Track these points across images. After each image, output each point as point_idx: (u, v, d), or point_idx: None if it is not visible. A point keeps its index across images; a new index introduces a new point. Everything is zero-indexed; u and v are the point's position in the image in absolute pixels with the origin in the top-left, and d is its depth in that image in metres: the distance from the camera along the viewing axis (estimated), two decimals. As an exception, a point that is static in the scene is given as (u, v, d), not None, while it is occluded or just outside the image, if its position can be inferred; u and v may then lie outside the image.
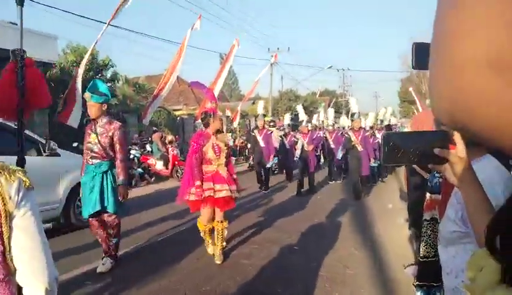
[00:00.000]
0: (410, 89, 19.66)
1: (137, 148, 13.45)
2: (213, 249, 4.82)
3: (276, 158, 11.07)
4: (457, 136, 0.96)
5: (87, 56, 6.79)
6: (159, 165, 12.28)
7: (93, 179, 4.42)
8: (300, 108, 12.91)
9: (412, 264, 4.18)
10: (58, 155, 6.12)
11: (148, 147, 13.65)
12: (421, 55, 1.18)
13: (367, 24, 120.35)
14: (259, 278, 4.19)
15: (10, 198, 1.01)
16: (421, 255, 2.87)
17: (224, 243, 4.89)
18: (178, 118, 20.87)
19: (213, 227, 4.80)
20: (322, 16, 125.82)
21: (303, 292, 3.81)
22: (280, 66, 46.15)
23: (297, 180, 9.99)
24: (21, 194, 1.05)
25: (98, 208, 4.38)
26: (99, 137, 4.43)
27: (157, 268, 4.43)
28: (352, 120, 9.65)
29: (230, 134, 16.37)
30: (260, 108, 11.49)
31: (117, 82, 18.32)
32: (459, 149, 0.96)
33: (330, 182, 11.93)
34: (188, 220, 6.61)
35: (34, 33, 10.97)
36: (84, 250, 5.12)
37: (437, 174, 2.61)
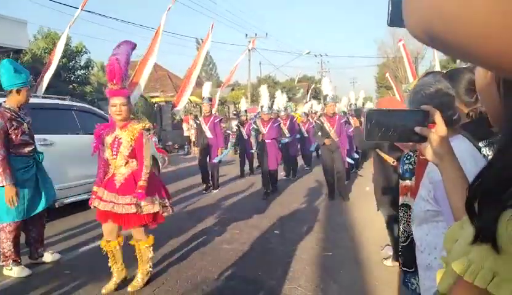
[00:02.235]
0: (387, 75, 19.99)
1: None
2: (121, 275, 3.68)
3: (226, 151, 8.89)
4: (437, 115, 0.99)
5: (62, 45, 6.59)
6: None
7: (36, 171, 4.09)
8: (263, 89, 9.85)
9: (388, 245, 4.30)
10: None
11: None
12: (398, 10, 1.18)
13: (344, 10, 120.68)
14: (240, 262, 4.23)
15: None
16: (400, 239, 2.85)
17: (149, 267, 3.70)
18: (156, 105, 20.61)
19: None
20: (300, 1, 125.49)
21: (284, 275, 3.87)
22: (259, 52, 45.94)
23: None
24: None
25: (48, 202, 4.14)
26: (29, 126, 4.03)
27: (134, 257, 4.40)
28: (324, 104, 7.79)
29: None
30: (205, 90, 8.98)
31: (91, 68, 17.90)
32: (439, 128, 0.99)
33: (286, 177, 10.13)
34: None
35: (3, 18, 10.53)
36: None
37: (406, 161, 2.65)
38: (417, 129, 0.98)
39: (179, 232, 5.29)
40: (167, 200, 3.69)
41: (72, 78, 16.53)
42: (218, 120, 8.49)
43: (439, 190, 1.31)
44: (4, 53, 12.28)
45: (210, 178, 8.52)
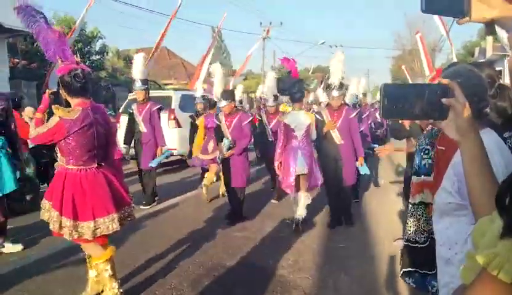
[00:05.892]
0: (403, 67, 19.67)
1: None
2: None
3: (169, 152, 6.28)
4: (457, 88, 0.94)
5: (77, 30, 6.60)
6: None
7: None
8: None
9: (401, 238, 4.25)
10: None
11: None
12: None
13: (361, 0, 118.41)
14: (251, 250, 4.24)
15: None
16: (410, 239, 2.58)
17: (116, 289, 2.90)
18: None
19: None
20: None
21: (294, 265, 3.87)
22: (273, 42, 45.53)
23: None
24: None
25: (9, 188, 4.03)
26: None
27: (148, 242, 4.45)
28: (327, 95, 5.70)
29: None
30: (136, 68, 6.06)
31: (106, 54, 17.99)
32: (460, 100, 0.93)
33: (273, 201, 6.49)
34: (179, 193, 6.63)
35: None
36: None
37: (424, 155, 2.54)
38: (444, 100, 0.92)
39: (191, 219, 5.34)
40: (68, 221, 2.63)
41: (87, 64, 16.65)
42: (156, 108, 6.05)
43: (464, 182, 1.27)
44: (19, 37, 12.36)
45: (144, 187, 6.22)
